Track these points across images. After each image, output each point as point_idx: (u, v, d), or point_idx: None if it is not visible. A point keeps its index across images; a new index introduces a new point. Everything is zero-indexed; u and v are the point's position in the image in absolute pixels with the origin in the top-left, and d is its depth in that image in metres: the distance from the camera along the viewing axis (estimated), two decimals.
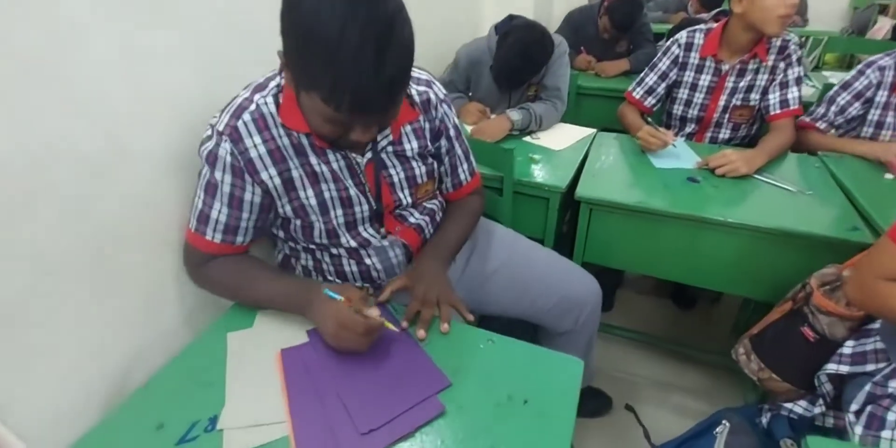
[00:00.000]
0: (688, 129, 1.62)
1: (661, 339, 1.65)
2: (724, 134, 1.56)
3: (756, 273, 1.16)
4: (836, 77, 1.97)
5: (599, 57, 2.35)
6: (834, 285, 0.94)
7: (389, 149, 0.89)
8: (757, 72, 1.43)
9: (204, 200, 0.81)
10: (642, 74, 1.60)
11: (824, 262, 1.01)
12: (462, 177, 1.06)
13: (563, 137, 1.58)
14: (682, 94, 1.56)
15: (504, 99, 1.77)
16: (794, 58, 1.38)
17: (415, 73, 0.91)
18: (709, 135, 1.59)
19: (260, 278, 0.85)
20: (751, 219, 1.08)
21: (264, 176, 0.80)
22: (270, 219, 0.89)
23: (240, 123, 0.77)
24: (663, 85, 1.56)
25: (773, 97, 1.42)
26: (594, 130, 1.61)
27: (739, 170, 1.23)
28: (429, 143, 0.94)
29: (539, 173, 1.33)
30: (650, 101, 1.59)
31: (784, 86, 1.40)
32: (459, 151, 1.03)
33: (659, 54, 1.57)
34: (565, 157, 1.44)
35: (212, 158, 0.78)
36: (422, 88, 0.90)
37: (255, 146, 0.78)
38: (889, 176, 1.25)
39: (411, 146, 0.91)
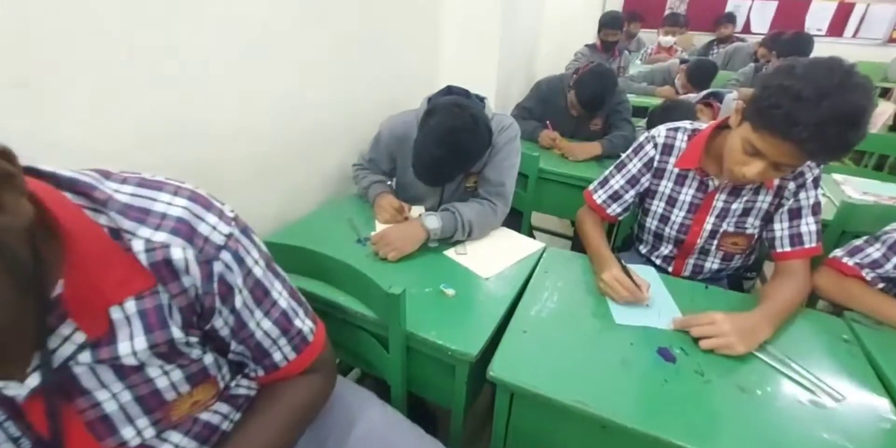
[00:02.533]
0: (664, 251, 1.21)
1: None
2: (712, 264, 1.16)
3: None
4: (850, 183, 1.61)
5: (571, 135, 2.00)
6: None
7: (86, 357, 0.47)
8: (757, 192, 1.04)
9: None
10: (606, 173, 1.22)
11: None
12: (278, 358, 0.64)
13: (499, 254, 1.17)
14: (657, 206, 1.17)
15: (435, 189, 1.38)
16: (810, 178, 0.99)
17: (151, 211, 0.50)
18: (691, 262, 1.18)
19: None
20: None
21: None
22: None
23: None
24: (632, 192, 1.17)
25: (781, 229, 1.02)
26: (542, 246, 1.20)
27: (733, 347, 0.82)
28: (180, 333, 0.52)
29: (444, 325, 0.90)
30: (615, 208, 1.20)
31: (795, 214, 1.01)
32: (266, 325, 0.61)
33: (629, 151, 1.19)
34: (492, 293, 1.02)
35: None
36: (159, 238, 0.49)
37: None
38: None
39: (133, 347, 0.49)
